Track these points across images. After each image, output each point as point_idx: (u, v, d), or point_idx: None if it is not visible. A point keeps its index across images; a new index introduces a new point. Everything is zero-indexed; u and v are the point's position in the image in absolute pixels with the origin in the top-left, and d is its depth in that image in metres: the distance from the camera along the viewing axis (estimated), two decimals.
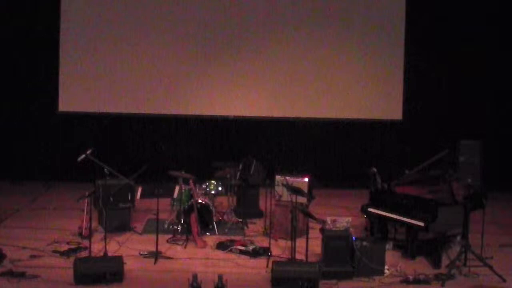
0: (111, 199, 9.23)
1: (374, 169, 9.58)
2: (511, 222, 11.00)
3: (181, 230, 9.54)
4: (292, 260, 8.24)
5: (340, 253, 8.07)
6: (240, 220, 10.27)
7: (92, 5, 12.95)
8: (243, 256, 8.79)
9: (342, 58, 13.23)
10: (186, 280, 7.33)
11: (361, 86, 13.22)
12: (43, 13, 12.85)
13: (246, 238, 9.50)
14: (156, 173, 9.70)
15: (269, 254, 8.70)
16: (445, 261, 8.52)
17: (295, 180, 9.48)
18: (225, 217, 10.30)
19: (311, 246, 8.34)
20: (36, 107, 12.99)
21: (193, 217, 9.38)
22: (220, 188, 10.21)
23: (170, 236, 9.45)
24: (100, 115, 13.10)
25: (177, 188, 9.85)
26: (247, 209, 10.55)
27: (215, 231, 9.75)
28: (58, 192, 12.34)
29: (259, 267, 8.36)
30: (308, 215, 8.53)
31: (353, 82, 13.21)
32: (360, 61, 13.22)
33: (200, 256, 8.79)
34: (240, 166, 10.61)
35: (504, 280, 8.00)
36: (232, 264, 8.52)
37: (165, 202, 9.71)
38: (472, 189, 8.64)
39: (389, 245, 8.95)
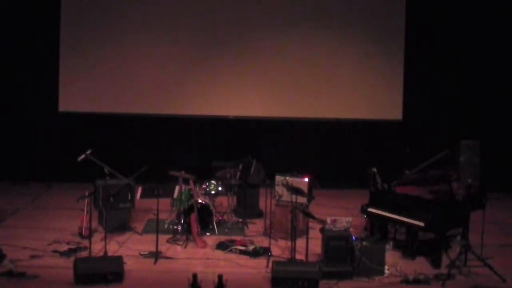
0: (111, 199, 9.23)
1: (374, 169, 9.56)
2: (511, 222, 11.00)
3: (181, 230, 9.54)
4: (292, 260, 8.24)
5: (340, 253, 8.07)
6: (240, 220, 10.27)
7: (92, 5, 12.94)
8: (243, 256, 8.79)
9: (342, 58, 13.21)
10: (186, 280, 7.33)
11: (361, 86, 13.20)
12: (43, 13, 12.85)
13: (246, 238, 9.50)
14: (156, 173, 9.69)
15: (269, 254, 8.70)
16: (445, 261, 8.52)
17: (295, 180, 9.49)
18: (225, 217, 10.30)
19: (311, 246, 8.35)
20: (36, 107, 12.98)
21: (193, 217, 9.38)
22: (220, 188, 10.20)
23: (170, 236, 9.46)
24: (100, 115, 13.09)
25: (177, 188, 9.85)
26: (247, 209, 10.55)
27: (215, 231, 9.75)
28: (58, 192, 12.35)
29: (259, 267, 8.36)
30: (308, 215, 8.54)
31: (353, 82, 13.20)
32: (360, 61, 13.20)
33: (200, 256, 8.80)
34: (240, 166, 10.60)
35: (504, 280, 8.00)
36: (232, 264, 8.52)
37: (165, 202, 9.70)
38: (472, 189, 8.63)
39: (389, 245, 8.94)
